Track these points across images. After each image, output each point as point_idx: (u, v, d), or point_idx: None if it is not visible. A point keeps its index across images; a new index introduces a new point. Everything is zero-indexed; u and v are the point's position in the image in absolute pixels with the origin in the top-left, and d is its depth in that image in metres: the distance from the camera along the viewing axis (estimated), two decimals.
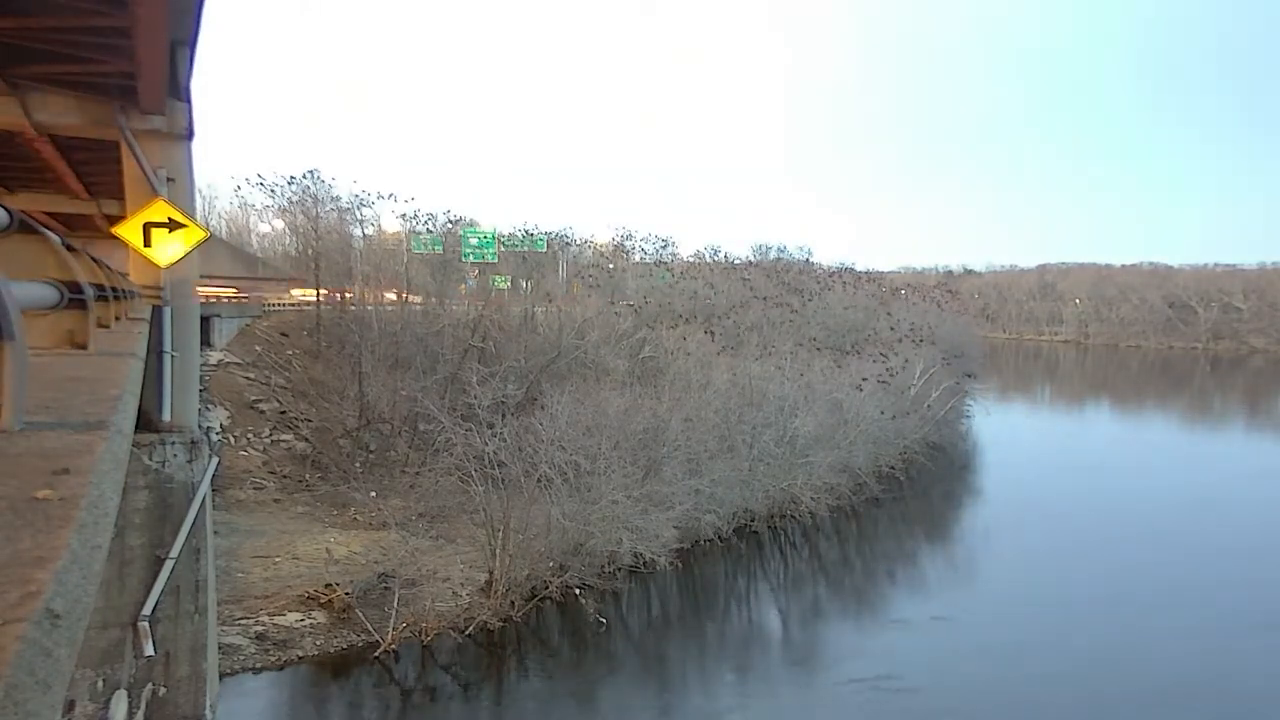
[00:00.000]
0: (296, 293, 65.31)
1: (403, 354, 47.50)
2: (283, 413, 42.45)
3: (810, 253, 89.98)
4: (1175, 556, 34.69)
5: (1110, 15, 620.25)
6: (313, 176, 54.88)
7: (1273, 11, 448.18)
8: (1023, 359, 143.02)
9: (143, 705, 13.20)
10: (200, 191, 62.10)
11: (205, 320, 35.58)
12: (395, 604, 24.20)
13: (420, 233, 58.34)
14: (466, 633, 24.05)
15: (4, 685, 1.12)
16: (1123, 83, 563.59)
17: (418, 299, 57.44)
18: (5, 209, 4.36)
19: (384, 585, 25.36)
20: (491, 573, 26.11)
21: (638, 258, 76.73)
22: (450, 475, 30.55)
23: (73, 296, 4.92)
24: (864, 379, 46.50)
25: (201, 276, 20.10)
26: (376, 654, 22.77)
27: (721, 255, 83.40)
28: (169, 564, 13.53)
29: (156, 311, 13.97)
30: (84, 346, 5.13)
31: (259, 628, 23.47)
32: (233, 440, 37.57)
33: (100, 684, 12.75)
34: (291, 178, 54.54)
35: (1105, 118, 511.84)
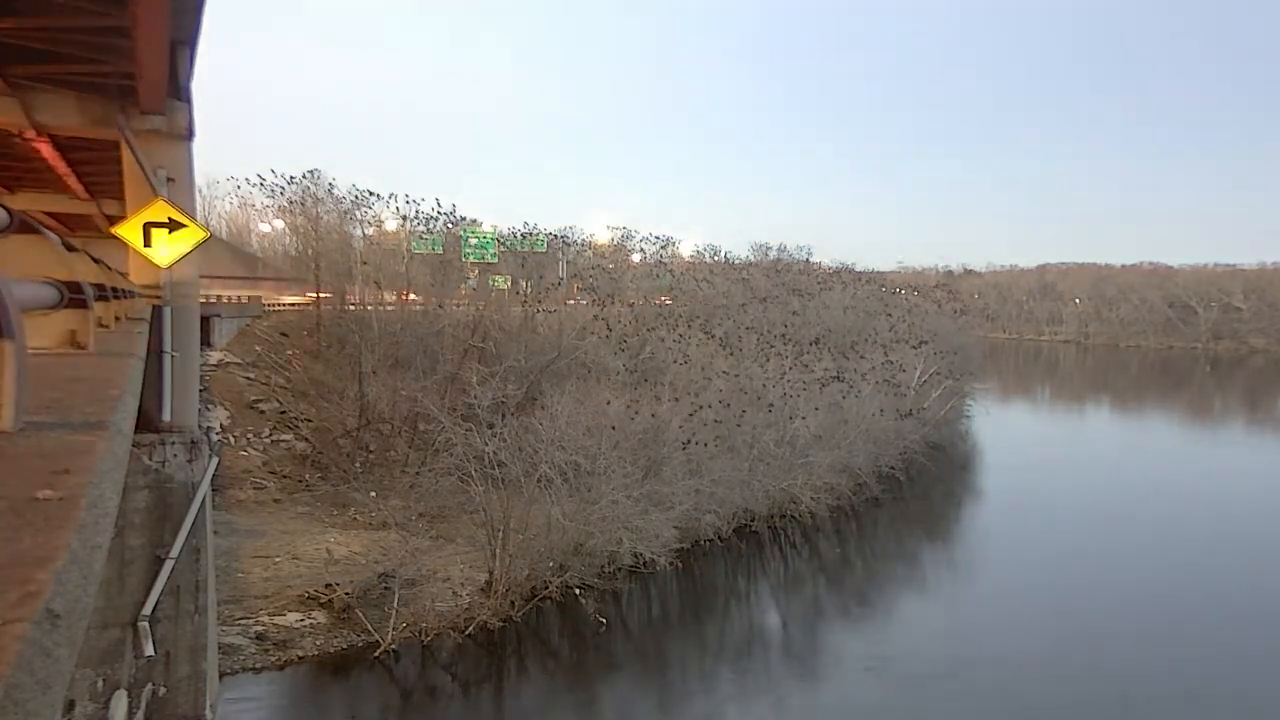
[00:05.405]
0: (287, 299, 64.87)
1: (403, 354, 47.48)
2: (283, 413, 42.43)
3: (810, 252, 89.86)
4: (1175, 556, 34.70)
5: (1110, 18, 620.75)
6: (313, 176, 54.95)
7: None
8: (1023, 359, 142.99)
9: (143, 705, 13.20)
10: (200, 191, 62.06)
11: (205, 320, 35.56)
12: (395, 604, 24.18)
13: (420, 233, 58.35)
14: (466, 633, 24.04)
15: (4, 685, 1.12)
16: (1125, 81, 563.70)
17: (418, 299, 57.42)
18: (5, 209, 4.36)
19: (384, 585, 25.34)
20: (491, 573, 26.11)
21: (637, 258, 76.71)
22: (450, 475, 30.51)
23: (73, 296, 4.92)
24: (863, 376, 46.52)
25: (201, 277, 20.10)
26: (376, 654, 22.77)
27: (721, 255, 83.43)
28: (169, 564, 13.54)
29: (156, 311, 13.98)
30: (84, 346, 5.13)
31: (259, 628, 23.46)
32: (233, 440, 37.56)
33: (100, 684, 12.74)
34: (291, 178, 54.62)
35: (1106, 117, 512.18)
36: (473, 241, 59.38)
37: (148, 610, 13.15)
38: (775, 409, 39.64)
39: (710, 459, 34.21)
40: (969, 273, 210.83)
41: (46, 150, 17.89)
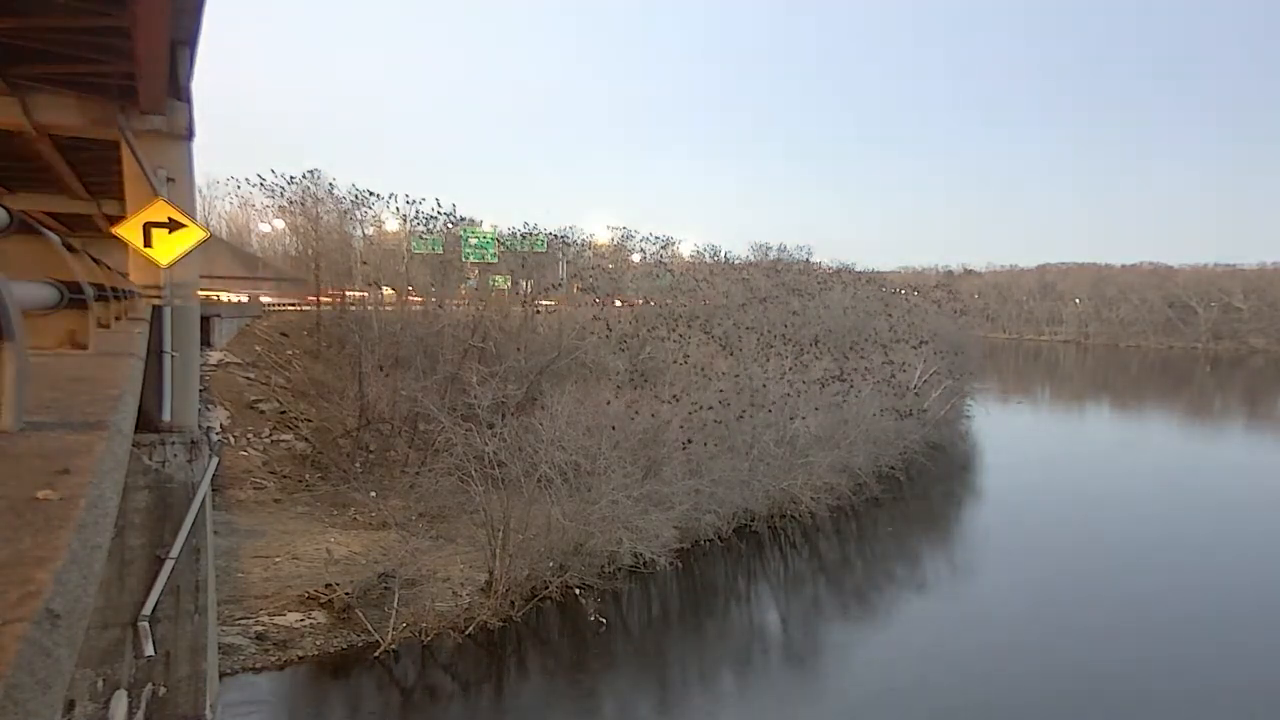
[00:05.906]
0: (286, 298, 64.43)
1: (403, 354, 47.44)
2: (283, 413, 42.41)
3: (810, 252, 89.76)
4: (1175, 554, 34.71)
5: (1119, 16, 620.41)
6: (313, 176, 54.97)
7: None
8: (1023, 359, 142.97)
9: (143, 705, 13.19)
10: (200, 191, 61.97)
11: (205, 320, 35.49)
12: (395, 604, 24.18)
13: (420, 233, 58.38)
14: (466, 633, 24.04)
15: (4, 685, 1.12)
16: (1125, 82, 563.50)
17: (418, 299, 57.42)
18: (5, 209, 4.36)
19: (384, 585, 25.34)
20: (491, 573, 26.10)
21: (637, 258, 76.72)
22: (450, 475, 30.52)
23: (73, 296, 4.91)
24: (863, 375, 46.51)
25: (201, 277, 20.10)
26: (376, 654, 22.77)
27: (721, 255, 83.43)
28: (169, 564, 13.53)
29: (156, 311, 13.97)
30: (84, 346, 5.13)
31: (259, 628, 23.45)
32: (233, 440, 37.54)
33: (100, 684, 12.74)
34: (292, 178, 54.62)
35: (1106, 117, 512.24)
36: (473, 241, 59.38)
37: (148, 610, 13.14)
38: (775, 409, 39.63)
39: (710, 459, 34.20)
40: (969, 273, 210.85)
41: (46, 150, 17.87)
